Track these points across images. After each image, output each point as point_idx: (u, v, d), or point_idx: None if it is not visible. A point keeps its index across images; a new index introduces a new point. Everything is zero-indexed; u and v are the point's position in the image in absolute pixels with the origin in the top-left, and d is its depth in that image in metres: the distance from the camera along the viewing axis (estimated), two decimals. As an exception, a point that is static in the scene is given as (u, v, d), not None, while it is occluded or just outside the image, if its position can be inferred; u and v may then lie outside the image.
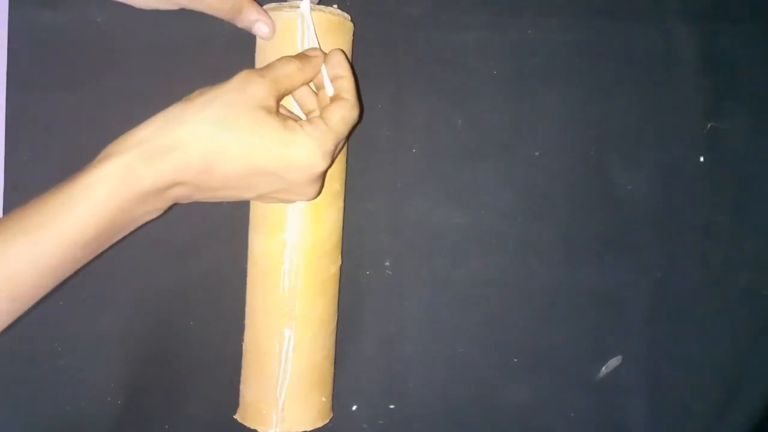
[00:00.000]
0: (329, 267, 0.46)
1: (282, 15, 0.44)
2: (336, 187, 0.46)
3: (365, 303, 0.51)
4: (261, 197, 0.40)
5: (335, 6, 0.46)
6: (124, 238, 0.39)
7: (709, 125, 0.53)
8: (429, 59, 0.52)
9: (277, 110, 0.39)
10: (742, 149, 0.53)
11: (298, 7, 0.43)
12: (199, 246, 0.50)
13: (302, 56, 0.42)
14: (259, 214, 0.46)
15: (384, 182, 0.52)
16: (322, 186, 0.41)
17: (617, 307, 0.53)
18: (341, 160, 0.46)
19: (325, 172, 0.40)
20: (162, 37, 0.50)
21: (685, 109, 0.53)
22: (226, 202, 0.49)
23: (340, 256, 0.47)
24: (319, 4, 0.45)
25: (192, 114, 0.37)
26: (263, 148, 0.37)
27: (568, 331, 0.52)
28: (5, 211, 0.49)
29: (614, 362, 0.53)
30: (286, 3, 0.44)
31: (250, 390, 0.46)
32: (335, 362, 0.48)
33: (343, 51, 0.43)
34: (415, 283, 0.52)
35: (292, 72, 0.40)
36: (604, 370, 0.53)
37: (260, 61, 0.46)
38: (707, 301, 0.53)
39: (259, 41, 0.46)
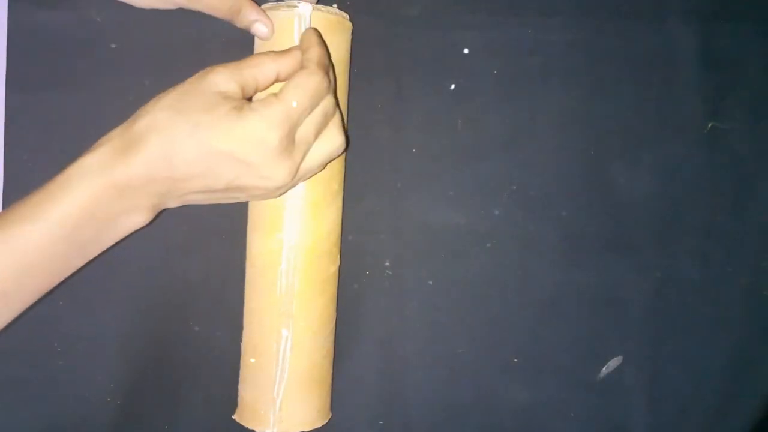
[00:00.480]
0: (328, 267, 0.46)
1: (279, 14, 0.44)
2: (335, 186, 0.46)
3: (365, 303, 0.51)
4: (232, 188, 0.39)
5: (335, 5, 0.46)
6: (114, 246, 0.40)
7: (709, 125, 0.53)
8: (429, 59, 0.52)
9: (241, 97, 0.38)
10: (742, 149, 0.53)
11: (296, 6, 0.43)
12: (199, 246, 0.50)
13: (284, 50, 0.41)
14: (257, 212, 0.46)
15: (384, 182, 0.52)
16: (294, 170, 0.39)
17: (617, 307, 0.53)
18: (340, 159, 0.46)
19: (287, 149, 0.38)
20: (162, 37, 0.50)
21: (685, 109, 0.53)
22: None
23: (338, 256, 0.47)
24: (317, 3, 0.45)
25: (151, 106, 0.38)
26: (213, 128, 0.36)
27: (568, 331, 0.52)
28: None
29: (615, 362, 0.53)
30: (284, 2, 0.44)
31: (248, 390, 0.46)
32: (334, 362, 0.48)
33: (315, 29, 0.42)
34: (415, 283, 0.52)
35: (260, 61, 0.39)
36: (604, 370, 0.53)
37: (259, 60, 0.46)
38: (707, 301, 0.53)
39: (257, 41, 0.46)
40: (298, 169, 0.39)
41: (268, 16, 0.44)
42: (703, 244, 0.53)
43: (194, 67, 0.50)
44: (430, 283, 0.52)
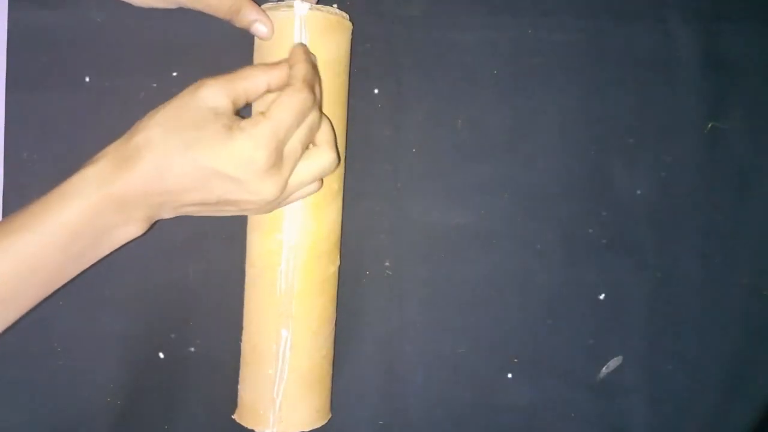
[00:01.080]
0: (328, 267, 0.46)
1: (279, 14, 0.44)
2: (334, 186, 0.46)
3: (365, 303, 0.51)
4: (223, 201, 0.39)
5: (335, 5, 0.46)
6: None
7: (709, 125, 0.53)
8: (429, 59, 0.52)
9: (233, 111, 0.39)
10: (742, 149, 0.53)
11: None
12: (199, 246, 0.50)
13: (274, 63, 0.41)
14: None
15: (384, 182, 0.52)
16: (282, 184, 0.39)
17: (617, 307, 0.53)
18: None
19: (275, 165, 0.38)
20: (162, 36, 0.50)
21: (685, 109, 0.53)
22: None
23: (338, 257, 0.47)
24: (317, 3, 0.45)
25: (146, 121, 0.38)
26: (203, 146, 0.37)
27: (568, 332, 0.52)
28: (5, 210, 0.49)
29: (615, 362, 0.53)
30: (283, 2, 0.44)
31: (248, 390, 0.46)
32: (334, 362, 0.48)
33: (303, 44, 0.42)
34: (415, 283, 0.52)
35: (252, 73, 0.40)
36: (604, 370, 0.53)
37: (258, 60, 0.46)
38: (707, 301, 0.53)
39: (257, 41, 0.46)
40: (286, 182, 0.40)
41: (267, 16, 0.44)
42: (703, 244, 0.53)
43: (194, 67, 0.50)
44: (430, 283, 0.52)
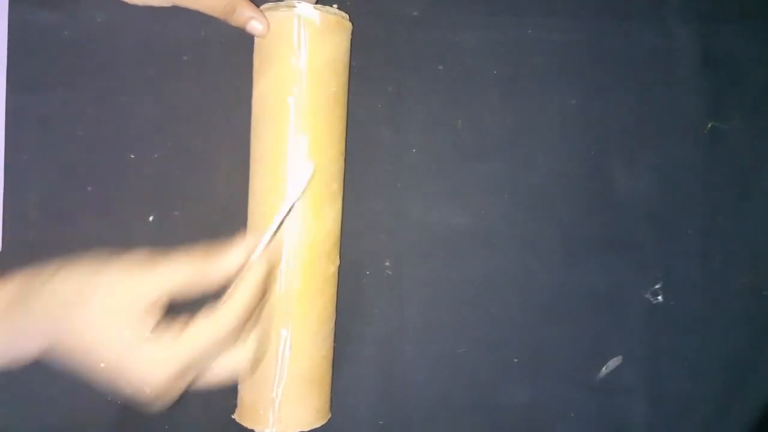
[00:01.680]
0: (327, 267, 0.46)
1: (279, 15, 0.44)
2: (335, 186, 0.46)
3: (365, 303, 0.51)
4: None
5: (335, 6, 0.46)
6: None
7: (709, 125, 0.53)
8: (429, 59, 0.52)
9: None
10: (742, 149, 0.53)
11: (294, 6, 0.43)
12: (198, 246, 0.50)
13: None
14: (257, 213, 0.46)
15: (384, 182, 0.52)
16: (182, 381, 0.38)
17: (617, 307, 0.53)
18: (339, 160, 0.46)
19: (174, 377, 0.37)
20: (161, 37, 0.50)
21: (685, 109, 0.53)
22: (226, 200, 0.49)
23: (338, 256, 0.47)
24: (317, 3, 0.45)
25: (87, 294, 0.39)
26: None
27: (568, 331, 0.52)
28: (5, 211, 0.49)
29: (614, 362, 0.53)
30: (283, 3, 0.44)
31: (248, 390, 0.46)
32: (334, 362, 0.48)
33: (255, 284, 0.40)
34: (415, 283, 0.52)
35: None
36: (604, 370, 0.53)
37: (258, 60, 0.46)
38: (707, 301, 0.53)
39: (257, 41, 0.46)
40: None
41: (263, 14, 0.44)
42: (703, 244, 0.53)
43: (194, 67, 0.50)
44: (430, 283, 0.52)
